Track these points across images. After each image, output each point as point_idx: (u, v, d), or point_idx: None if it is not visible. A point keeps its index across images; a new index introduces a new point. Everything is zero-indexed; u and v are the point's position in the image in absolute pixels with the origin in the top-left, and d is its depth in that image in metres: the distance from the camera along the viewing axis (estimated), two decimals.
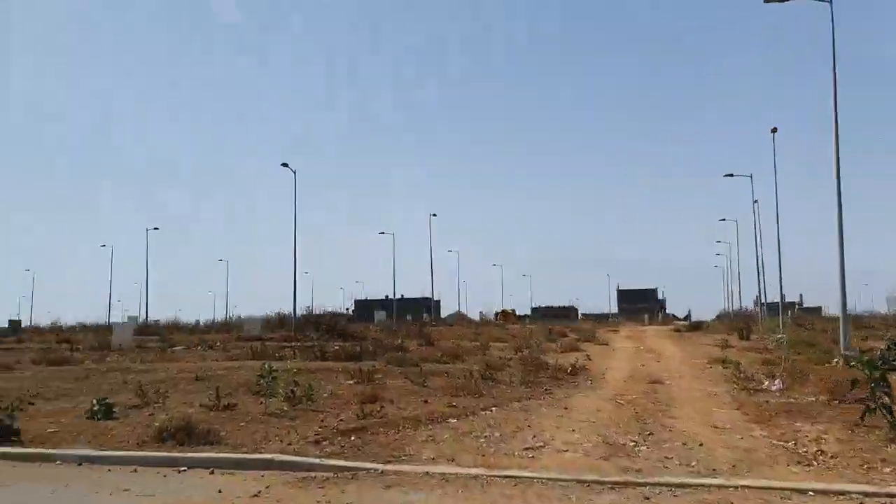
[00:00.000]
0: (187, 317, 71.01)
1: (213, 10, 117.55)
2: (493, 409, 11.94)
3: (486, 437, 9.32)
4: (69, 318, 72.93)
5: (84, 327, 58.24)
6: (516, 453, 8.41)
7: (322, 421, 10.48)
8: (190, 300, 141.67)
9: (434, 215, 71.35)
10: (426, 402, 12.39)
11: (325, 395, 12.95)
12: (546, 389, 14.86)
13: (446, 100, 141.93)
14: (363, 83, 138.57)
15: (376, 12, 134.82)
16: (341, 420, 10.51)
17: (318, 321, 43.76)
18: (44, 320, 78.16)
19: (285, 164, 45.44)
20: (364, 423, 10.22)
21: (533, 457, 8.24)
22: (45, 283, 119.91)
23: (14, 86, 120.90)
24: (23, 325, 72.21)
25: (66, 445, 8.93)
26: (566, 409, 11.98)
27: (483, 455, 8.29)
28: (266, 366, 12.22)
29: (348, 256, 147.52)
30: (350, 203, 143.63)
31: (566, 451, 8.54)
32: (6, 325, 69.78)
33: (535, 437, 9.35)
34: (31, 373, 18.38)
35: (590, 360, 22.10)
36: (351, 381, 14.62)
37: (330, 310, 54.43)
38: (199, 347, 31.80)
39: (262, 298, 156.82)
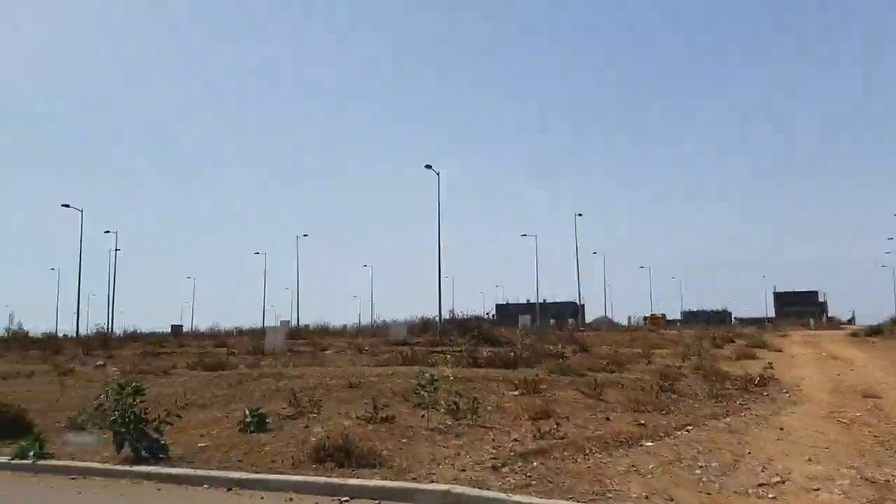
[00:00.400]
0: (334, 321, 72.14)
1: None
2: (689, 428, 10.13)
3: (700, 467, 7.57)
4: (226, 323, 76.26)
5: (240, 332, 60.36)
6: (750, 491, 6.64)
7: (493, 440, 9.08)
8: (336, 304, 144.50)
9: (580, 215, 68.79)
10: (608, 419, 10.74)
11: (488, 407, 11.58)
12: (740, 404, 12.84)
13: (591, 98, 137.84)
14: (506, 82, 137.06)
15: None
16: (516, 440, 9.06)
17: (464, 325, 42.76)
18: (203, 325, 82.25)
19: (429, 166, 44.81)
20: (543, 444, 8.72)
21: (774, 497, 6.45)
22: (205, 290, 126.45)
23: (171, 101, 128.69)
24: (184, 330, 76.09)
25: (215, 463, 7.99)
26: (781, 430, 9.97)
27: (708, 493, 6.57)
28: (425, 374, 10.99)
29: (488, 259, 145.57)
30: (491, 204, 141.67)
31: (816, 489, 6.67)
32: (168, 331, 73.60)
33: (763, 468, 7.51)
34: (186, 378, 18.18)
35: (772, 368, 19.57)
36: (514, 392, 13.17)
37: (473, 314, 53.41)
38: (348, 352, 31.54)
39: (404, 301, 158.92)
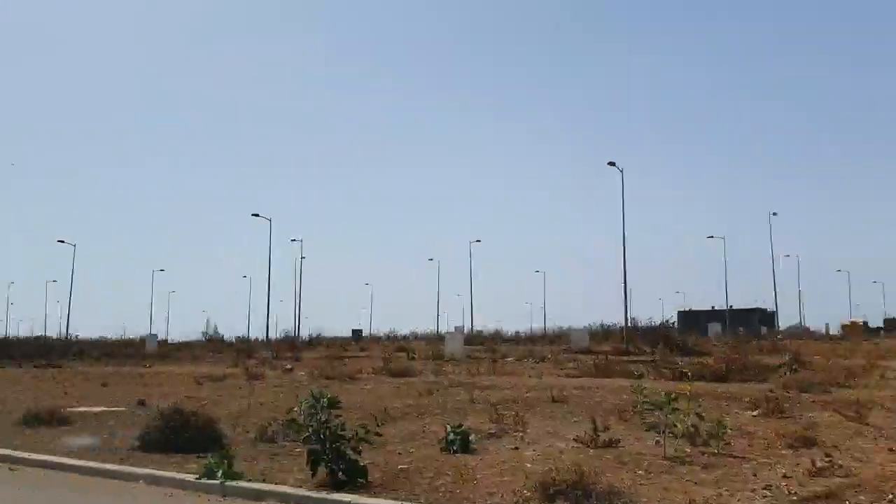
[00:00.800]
0: (505, 327, 71.11)
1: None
2: None
3: None
4: (403, 328, 77.53)
5: (416, 337, 60.91)
6: None
7: (755, 476, 7.25)
8: (506, 310, 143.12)
9: (774, 214, 63.46)
10: (892, 450, 8.56)
11: (728, 431, 9.67)
12: None
13: (784, 90, 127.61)
14: (696, 78, 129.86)
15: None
16: (786, 476, 7.18)
17: (650, 333, 40.31)
18: (380, 329, 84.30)
19: (612, 163, 42.51)
20: (826, 483, 6.80)
21: None
22: (382, 296, 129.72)
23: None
24: (363, 335, 78.18)
25: (423, 495, 6.75)
26: None
27: None
28: (663, 393, 9.22)
29: (666, 263, 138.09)
30: (670, 205, 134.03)
31: None
32: (349, 335, 75.84)
33: None
34: (372, 385, 17.51)
35: None
36: (752, 413, 11.15)
37: (655, 321, 50.69)
38: (528, 360, 30.25)
39: (575, 307, 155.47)
